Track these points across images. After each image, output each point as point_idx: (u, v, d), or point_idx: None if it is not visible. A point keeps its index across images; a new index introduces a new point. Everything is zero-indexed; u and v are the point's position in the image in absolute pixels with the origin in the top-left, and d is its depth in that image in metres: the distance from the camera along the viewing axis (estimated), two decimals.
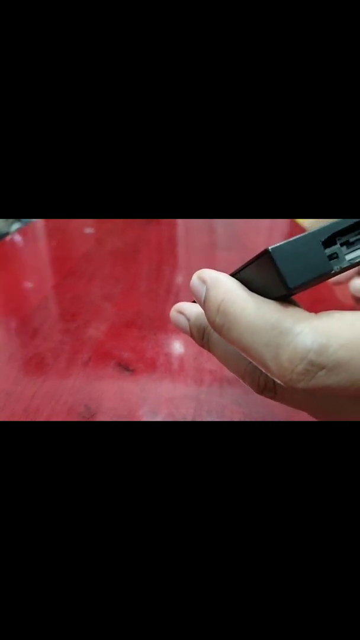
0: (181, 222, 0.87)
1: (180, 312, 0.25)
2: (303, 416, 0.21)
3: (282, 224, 0.86)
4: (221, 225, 0.85)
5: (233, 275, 0.21)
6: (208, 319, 0.20)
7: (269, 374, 0.18)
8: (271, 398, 0.21)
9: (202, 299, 0.20)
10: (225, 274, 0.20)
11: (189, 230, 0.84)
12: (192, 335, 0.25)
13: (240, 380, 0.22)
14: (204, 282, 0.20)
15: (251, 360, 0.19)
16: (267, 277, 0.18)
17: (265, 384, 0.21)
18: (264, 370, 0.18)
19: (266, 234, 0.84)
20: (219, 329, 0.19)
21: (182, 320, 0.25)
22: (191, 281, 0.21)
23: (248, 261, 0.19)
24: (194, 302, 0.25)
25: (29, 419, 0.37)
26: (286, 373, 0.16)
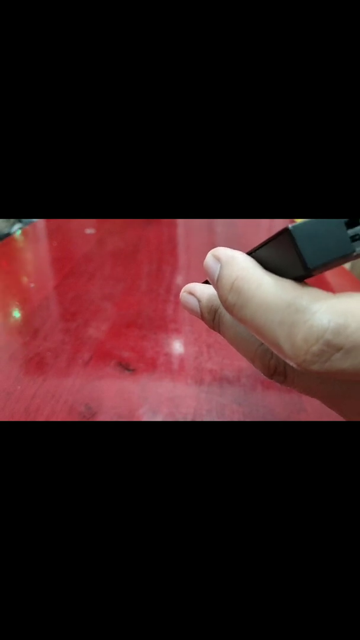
0: (181, 222, 0.87)
1: (191, 293, 0.24)
2: (303, 416, 0.21)
3: (282, 224, 0.87)
4: (221, 226, 0.85)
5: (249, 254, 0.20)
6: (220, 297, 0.19)
7: (281, 355, 0.17)
8: (281, 383, 0.20)
9: (216, 277, 0.20)
10: (241, 252, 0.20)
11: (189, 231, 0.84)
12: (202, 317, 0.24)
13: (241, 373, 0.22)
14: (218, 259, 0.20)
15: (263, 341, 0.18)
16: (285, 256, 0.17)
17: (275, 368, 0.20)
18: (276, 352, 0.17)
19: (266, 234, 0.84)
20: (230, 307, 0.19)
21: (192, 302, 0.24)
22: (205, 260, 0.21)
23: (265, 240, 0.18)
24: (206, 282, 0.24)
25: (29, 419, 0.37)
26: (300, 353, 0.16)
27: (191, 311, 0.25)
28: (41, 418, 0.37)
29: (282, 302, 0.16)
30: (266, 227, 0.87)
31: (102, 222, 0.87)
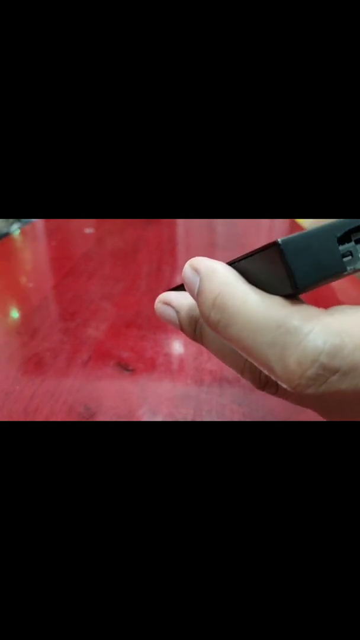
0: (181, 222, 0.87)
1: (167, 304, 0.22)
2: (303, 416, 0.21)
3: (282, 224, 0.86)
4: (221, 225, 0.85)
5: (231, 264, 0.18)
6: (202, 313, 0.18)
7: (272, 377, 0.16)
8: (272, 394, 0.19)
9: (195, 291, 0.18)
10: (222, 263, 0.18)
11: (188, 230, 0.84)
12: (182, 329, 0.22)
13: (239, 376, 0.21)
14: (197, 271, 0.18)
15: (252, 361, 0.17)
16: (271, 271, 0.16)
17: (266, 380, 0.19)
18: (266, 372, 0.16)
19: (266, 234, 0.84)
20: (214, 325, 0.17)
21: (169, 313, 0.22)
22: (183, 270, 0.19)
23: (251, 251, 0.17)
24: (180, 287, 0.22)
25: (28, 419, 0.37)
26: (294, 377, 0.15)
27: (169, 322, 0.22)
28: (40, 418, 0.37)
29: (271, 321, 0.15)
30: (266, 227, 0.87)
31: (101, 222, 0.87)
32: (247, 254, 0.17)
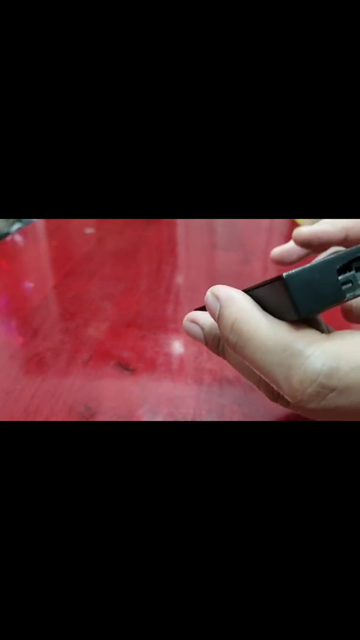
0: (181, 222, 0.87)
1: (194, 322, 0.25)
2: (302, 417, 0.21)
3: (282, 224, 0.86)
4: (221, 226, 0.85)
5: (247, 291, 0.21)
6: (222, 335, 0.20)
7: (280, 392, 0.18)
8: (285, 406, 0.21)
9: (216, 315, 0.21)
10: (239, 291, 0.21)
11: (189, 231, 0.84)
12: (206, 344, 0.25)
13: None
14: (217, 298, 0.21)
15: (263, 377, 0.19)
16: (279, 300, 0.18)
17: (279, 394, 0.21)
18: (275, 388, 0.19)
19: (266, 234, 0.84)
20: (232, 345, 0.20)
21: (196, 330, 0.25)
22: (206, 296, 0.22)
23: (263, 281, 0.19)
24: (203, 307, 0.25)
25: (28, 418, 0.37)
26: (297, 394, 0.17)
27: (195, 338, 0.26)
28: (40, 418, 0.37)
29: (278, 345, 0.18)
30: (266, 227, 0.87)
31: (102, 222, 0.87)
32: (259, 283, 0.20)
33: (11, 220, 1.31)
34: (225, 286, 0.21)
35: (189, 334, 0.26)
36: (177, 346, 0.47)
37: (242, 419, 0.36)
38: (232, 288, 0.21)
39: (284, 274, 0.17)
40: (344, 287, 0.17)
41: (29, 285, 0.63)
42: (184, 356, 0.45)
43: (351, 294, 0.17)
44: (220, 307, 0.20)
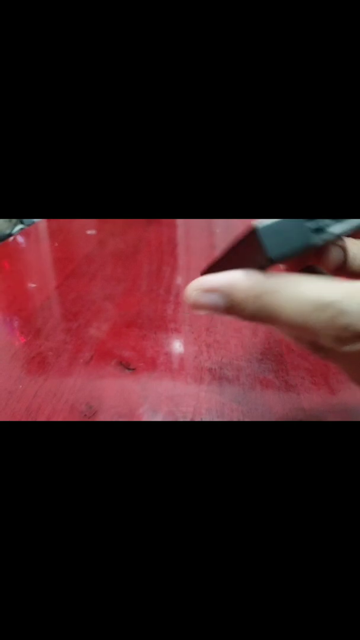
0: (181, 223, 0.88)
1: (212, 290, 0.20)
2: (301, 415, 0.22)
3: None
4: (221, 226, 0.85)
5: (212, 267, 0.21)
6: (245, 317, 0.19)
7: (321, 342, 0.19)
8: (322, 358, 0.23)
9: (226, 305, 0.19)
10: (225, 272, 0.20)
11: (189, 231, 0.84)
12: (233, 310, 0.20)
13: (254, 386, 0.23)
14: (215, 290, 0.19)
15: (303, 334, 0.20)
16: (249, 256, 0.19)
17: (318, 346, 0.23)
18: (316, 339, 0.19)
19: None
20: (263, 319, 0.19)
21: (217, 300, 0.20)
22: (193, 300, 0.20)
23: (226, 249, 0.20)
24: (207, 272, 0.22)
25: (30, 418, 0.37)
26: (335, 340, 0.18)
27: (215, 311, 0.20)
28: (42, 417, 0.37)
29: (311, 301, 0.18)
30: None
31: (103, 223, 0.87)
32: (223, 251, 0.20)
33: (14, 221, 1.32)
34: (208, 277, 0.20)
35: (205, 308, 0.20)
36: (178, 346, 0.48)
37: (241, 417, 0.37)
38: (214, 275, 0.20)
39: (254, 224, 0.18)
40: (313, 233, 0.18)
41: (32, 285, 0.63)
42: (184, 355, 0.46)
43: (321, 237, 0.18)
44: (228, 295, 0.19)
